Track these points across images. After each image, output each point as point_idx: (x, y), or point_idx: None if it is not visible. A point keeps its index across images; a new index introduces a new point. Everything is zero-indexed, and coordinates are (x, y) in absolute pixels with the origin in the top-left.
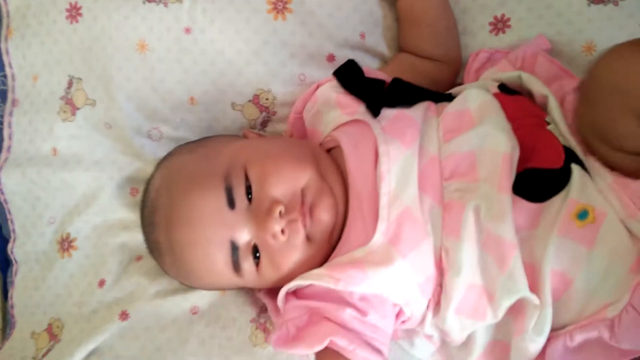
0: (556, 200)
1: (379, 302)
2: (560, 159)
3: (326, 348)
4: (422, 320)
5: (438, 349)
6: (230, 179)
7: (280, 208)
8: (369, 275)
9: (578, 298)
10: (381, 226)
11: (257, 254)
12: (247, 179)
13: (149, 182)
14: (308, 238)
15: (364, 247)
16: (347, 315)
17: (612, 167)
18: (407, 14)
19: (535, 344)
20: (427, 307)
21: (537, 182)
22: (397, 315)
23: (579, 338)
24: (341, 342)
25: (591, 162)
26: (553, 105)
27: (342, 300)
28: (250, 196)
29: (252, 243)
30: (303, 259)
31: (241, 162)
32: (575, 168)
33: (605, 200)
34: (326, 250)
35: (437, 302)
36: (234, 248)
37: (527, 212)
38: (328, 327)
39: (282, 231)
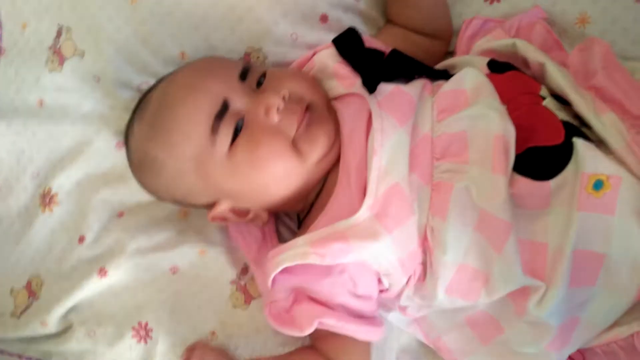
0: (565, 177)
1: (362, 270)
2: (561, 134)
3: (317, 328)
4: (399, 295)
5: (416, 319)
6: (248, 64)
7: (286, 93)
8: (352, 248)
9: (620, 269)
10: (368, 200)
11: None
12: (264, 76)
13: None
14: (294, 144)
15: (347, 219)
16: (331, 289)
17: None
18: None
19: (536, 321)
20: (407, 283)
21: (540, 159)
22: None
23: None
24: (329, 322)
25: (606, 121)
26: (552, 71)
27: (327, 273)
28: (260, 86)
29: (241, 115)
30: (280, 167)
31: (261, 68)
32: (577, 141)
33: (618, 163)
34: (304, 188)
35: (418, 279)
36: (224, 106)
37: (535, 192)
38: (314, 309)
39: (277, 109)
